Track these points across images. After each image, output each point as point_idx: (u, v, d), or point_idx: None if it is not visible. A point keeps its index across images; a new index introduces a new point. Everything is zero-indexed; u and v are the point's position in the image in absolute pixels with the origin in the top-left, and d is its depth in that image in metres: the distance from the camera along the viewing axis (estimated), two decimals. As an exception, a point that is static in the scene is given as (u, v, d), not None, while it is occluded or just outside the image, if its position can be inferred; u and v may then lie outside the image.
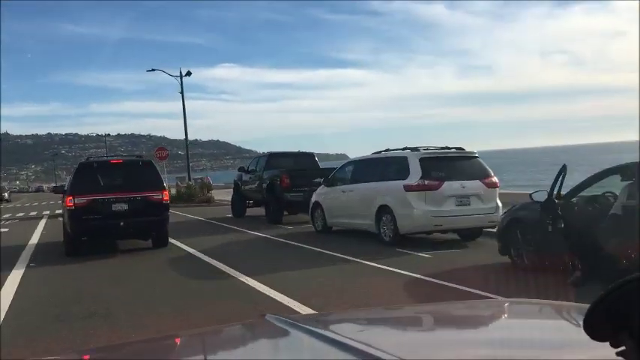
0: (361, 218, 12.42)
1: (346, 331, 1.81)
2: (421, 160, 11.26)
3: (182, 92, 41.03)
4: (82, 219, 11.79)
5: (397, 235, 11.33)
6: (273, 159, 19.21)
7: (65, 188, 13.68)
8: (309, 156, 19.87)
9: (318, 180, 16.78)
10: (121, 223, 11.96)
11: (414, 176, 11.13)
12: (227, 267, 9.94)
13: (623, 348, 0.90)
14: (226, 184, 48.53)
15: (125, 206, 12.02)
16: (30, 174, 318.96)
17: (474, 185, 11.12)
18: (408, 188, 11.13)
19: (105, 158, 15.87)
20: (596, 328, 0.91)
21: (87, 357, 1.94)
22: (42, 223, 23.98)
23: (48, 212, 30.36)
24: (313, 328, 1.64)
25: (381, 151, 12.90)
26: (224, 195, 33.14)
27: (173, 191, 32.48)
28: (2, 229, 21.23)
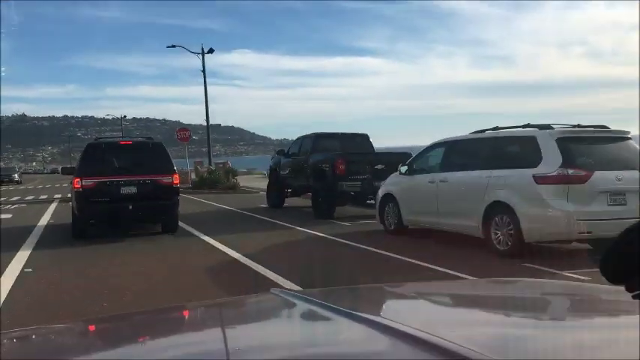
0: (459, 218, 9.31)
1: (352, 304, 1.83)
2: (559, 141, 8.15)
3: (204, 70, 38.13)
4: (89, 201, 11.37)
5: (519, 243, 8.22)
6: (322, 140, 16.13)
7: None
8: (363, 137, 16.67)
9: (379, 167, 13.71)
10: (130, 207, 11.49)
11: (551, 163, 8.01)
12: (287, 281, 7.03)
13: (638, 292, 0.91)
14: (249, 169, 45.62)
15: (134, 189, 11.57)
16: (46, 155, 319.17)
17: (631, 177, 7.99)
18: (542, 180, 8.03)
19: (114, 139, 14.85)
20: (612, 271, 0.91)
21: (92, 326, 1.91)
22: (51, 208, 21.14)
23: (60, 196, 27.60)
24: (319, 300, 1.69)
25: (484, 130, 9.76)
26: (248, 181, 30.24)
27: (194, 176, 29.58)
28: (3, 216, 18.36)
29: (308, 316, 1.64)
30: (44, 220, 16.34)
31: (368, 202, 14.56)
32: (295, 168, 16.40)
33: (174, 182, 12.04)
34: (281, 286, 6.33)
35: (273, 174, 18.14)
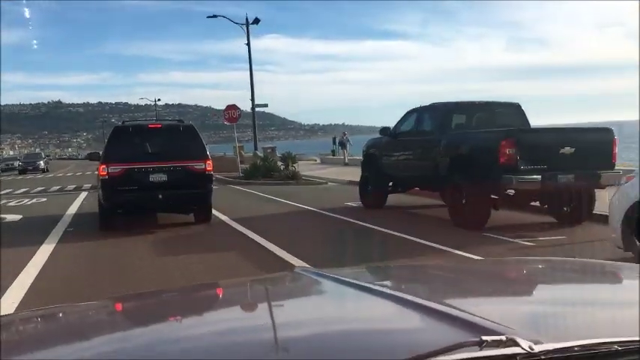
0: None
1: (374, 280, 1.85)
2: None
3: (248, 43, 33.28)
4: (116, 190, 10.34)
5: None
6: (457, 113, 11.05)
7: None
8: (514, 109, 11.17)
9: (567, 150, 8.65)
10: (160, 196, 10.41)
11: None
12: None
13: None
14: (297, 155, 40.40)
15: (164, 177, 10.50)
16: (81, 141, 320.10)
17: None
18: None
19: (142, 122, 13.11)
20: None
21: (119, 304, 1.90)
22: (76, 203, 16.57)
23: (90, 185, 23.19)
24: (342, 277, 1.68)
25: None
26: (302, 169, 25.41)
27: (245, 165, 24.80)
28: (10, 217, 13.75)
29: (332, 292, 1.65)
30: (68, 215, 12.07)
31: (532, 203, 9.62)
32: (412, 152, 11.39)
33: (208, 169, 10.85)
34: None
35: (371, 161, 13.04)
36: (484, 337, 0.94)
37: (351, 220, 11.01)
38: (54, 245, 9.29)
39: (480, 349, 0.92)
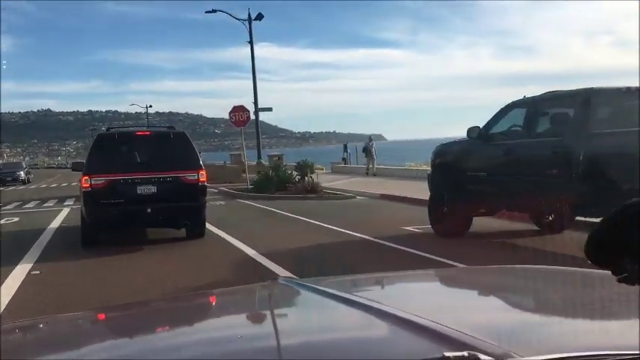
0: None
1: (354, 290, 1.84)
2: None
3: (251, 41, 30.05)
4: (99, 204, 9.35)
5: None
6: (603, 103, 7.54)
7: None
8: None
9: None
10: (148, 210, 9.35)
11: None
12: None
13: (625, 275, 0.88)
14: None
15: (153, 189, 9.52)
16: (71, 150, 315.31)
17: None
18: None
19: (129, 129, 12.57)
20: (597, 255, 0.89)
21: (102, 315, 1.91)
22: (55, 222, 13.08)
23: (74, 200, 19.70)
24: (322, 288, 1.69)
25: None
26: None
27: (253, 176, 21.39)
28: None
29: (309, 303, 1.66)
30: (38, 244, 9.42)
31: None
32: (522, 162, 7.99)
33: (201, 179, 9.89)
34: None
35: (447, 173, 9.54)
36: (446, 354, 0.93)
37: (439, 259, 7.59)
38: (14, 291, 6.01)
39: None
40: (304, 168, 19.98)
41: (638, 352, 0.97)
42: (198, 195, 9.83)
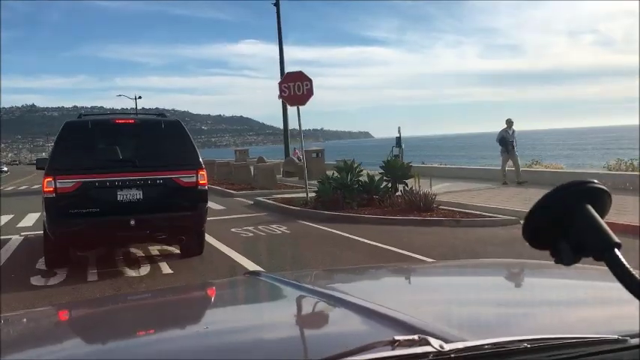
0: None
1: (323, 283, 1.88)
2: None
3: (277, 3, 22.82)
4: (67, 214, 7.09)
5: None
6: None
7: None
8: None
9: None
10: (132, 222, 7.20)
11: None
12: None
13: (561, 257, 0.90)
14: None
15: (138, 194, 7.37)
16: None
17: None
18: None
19: (107, 116, 9.28)
20: (534, 236, 0.88)
21: (67, 311, 1.85)
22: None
23: (31, 224, 12.40)
24: (291, 281, 1.70)
25: None
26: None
27: (312, 185, 14.15)
28: None
29: (278, 295, 1.67)
30: None
31: None
32: None
33: (201, 182, 7.63)
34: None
35: None
36: (396, 337, 0.93)
37: None
38: None
39: (392, 349, 0.92)
40: (396, 170, 12.68)
41: (582, 336, 0.99)
42: (197, 202, 7.60)
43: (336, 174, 13.72)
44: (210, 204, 14.78)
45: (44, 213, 7.43)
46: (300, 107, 13.09)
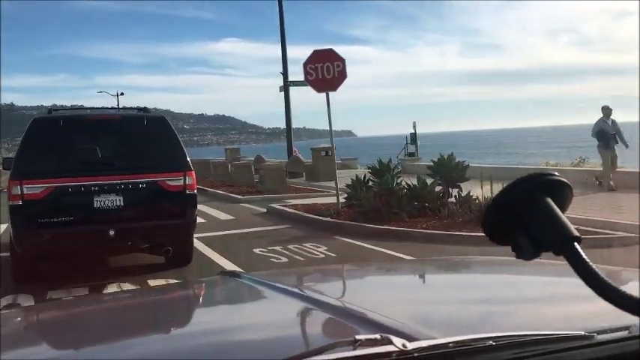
0: None
1: (293, 282, 1.86)
2: None
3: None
4: (36, 224, 6.37)
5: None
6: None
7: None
8: None
9: None
10: (111, 232, 6.51)
11: None
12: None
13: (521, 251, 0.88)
14: (343, 160, 26.63)
15: (118, 200, 6.62)
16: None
17: None
18: None
19: (82, 111, 8.50)
20: (495, 231, 0.85)
21: (36, 313, 1.84)
22: None
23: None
24: (264, 280, 1.68)
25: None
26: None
27: (326, 188, 11.70)
28: None
29: (249, 295, 1.65)
30: None
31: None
32: None
33: (189, 185, 6.88)
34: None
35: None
36: (358, 337, 0.92)
37: None
38: None
39: (354, 349, 0.90)
40: (450, 170, 10.24)
41: (548, 332, 0.98)
42: (185, 208, 6.88)
43: (366, 176, 11.30)
44: (215, 212, 12.39)
45: (10, 224, 6.67)
46: (321, 96, 10.68)
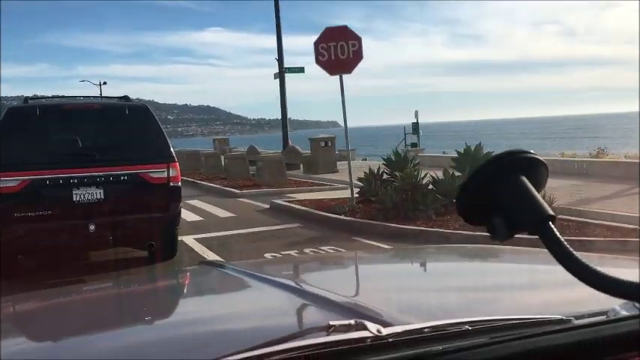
0: None
1: (274, 270, 1.86)
2: None
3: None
4: (11, 219, 6.20)
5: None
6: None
7: None
8: None
9: None
10: (91, 227, 6.34)
11: None
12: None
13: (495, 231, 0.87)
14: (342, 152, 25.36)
15: (99, 193, 6.41)
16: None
17: None
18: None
19: (59, 100, 7.94)
20: (469, 211, 0.84)
21: (10, 304, 1.68)
22: None
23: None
24: (244, 269, 1.66)
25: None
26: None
27: (323, 180, 10.56)
28: None
29: (229, 284, 1.64)
30: None
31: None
32: None
33: (173, 177, 6.64)
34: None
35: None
36: (332, 322, 0.91)
37: None
38: None
39: (328, 334, 0.90)
40: (478, 162, 9.19)
41: (524, 317, 0.97)
42: (169, 201, 6.63)
43: (380, 168, 10.21)
44: (212, 208, 11.23)
45: None
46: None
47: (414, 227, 7.85)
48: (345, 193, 12.18)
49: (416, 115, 21.82)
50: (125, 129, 6.81)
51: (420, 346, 0.86)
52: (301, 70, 20.77)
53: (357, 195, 9.95)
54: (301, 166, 18.94)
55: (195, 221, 9.86)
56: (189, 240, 8.04)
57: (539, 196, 0.79)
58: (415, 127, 21.80)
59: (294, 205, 10.46)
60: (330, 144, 18.38)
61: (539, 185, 0.82)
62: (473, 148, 9.61)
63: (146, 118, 6.92)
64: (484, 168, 0.80)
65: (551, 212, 0.77)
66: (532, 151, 0.81)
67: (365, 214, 8.90)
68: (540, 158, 0.82)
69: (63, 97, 8.53)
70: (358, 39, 9.22)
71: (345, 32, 9.27)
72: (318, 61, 9.35)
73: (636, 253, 5.73)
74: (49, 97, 9.48)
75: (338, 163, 18.78)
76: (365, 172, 10.31)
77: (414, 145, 21.19)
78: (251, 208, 11.27)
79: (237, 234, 8.51)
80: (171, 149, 6.91)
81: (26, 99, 7.55)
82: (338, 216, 9.02)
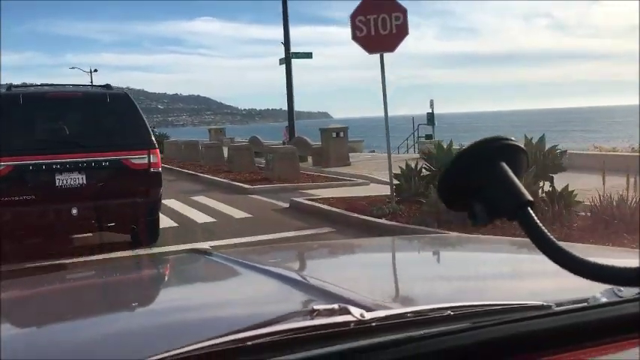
0: None
1: (264, 258, 1.85)
2: None
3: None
4: None
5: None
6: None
7: None
8: None
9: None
10: (74, 211, 6.61)
11: None
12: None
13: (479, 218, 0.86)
14: (355, 142, 23.77)
15: (81, 178, 6.68)
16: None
17: None
18: None
19: (42, 88, 8.32)
20: (450, 197, 0.84)
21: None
22: None
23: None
24: (234, 258, 1.64)
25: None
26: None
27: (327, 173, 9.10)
28: None
29: (218, 272, 1.62)
30: None
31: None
32: None
33: (153, 163, 6.94)
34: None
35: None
36: (315, 307, 0.91)
37: None
38: None
39: (312, 319, 0.90)
40: (539, 158, 7.78)
41: (506, 302, 0.98)
42: (150, 186, 6.89)
43: (418, 163, 8.87)
44: (223, 207, 9.87)
45: None
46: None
47: (478, 235, 6.50)
48: (372, 190, 10.83)
49: (431, 105, 20.48)
50: (107, 116, 7.05)
51: (403, 330, 0.86)
52: (309, 55, 19.34)
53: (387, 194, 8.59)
54: (309, 158, 17.59)
55: (208, 223, 8.48)
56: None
57: (518, 182, 0.79)
58: (430, 117, 20.44)
59: (319, 205, 9.08)
60: (342, 134, 17.00)
61: (520, 171, 0.82)
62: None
63: (127, 105, 7.15)
64: (465, 154, 0.80)
65: (530, 198, 0.76)
66: (512, 138, 0.81)
67: (410, 217, 7.54)
68: (520, 145, 0.81)
69: (50, 85, 8.52)
70: (403, 11, 7.79)
71: (389, 4, 7.83)
72: (354, 37, 7.92)
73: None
74: (36, 85, 9.20)
75: (350, 155, 17.46)
76: (401, 168, 8.94)
77: (428, 136, 19.86)
78: (267, 207, 9.88)
79: (261, 240, 7.12)
80: (152, 136, 7.23)
81: (9, 86, 7.66)
82: (377, 219, 7.65)
